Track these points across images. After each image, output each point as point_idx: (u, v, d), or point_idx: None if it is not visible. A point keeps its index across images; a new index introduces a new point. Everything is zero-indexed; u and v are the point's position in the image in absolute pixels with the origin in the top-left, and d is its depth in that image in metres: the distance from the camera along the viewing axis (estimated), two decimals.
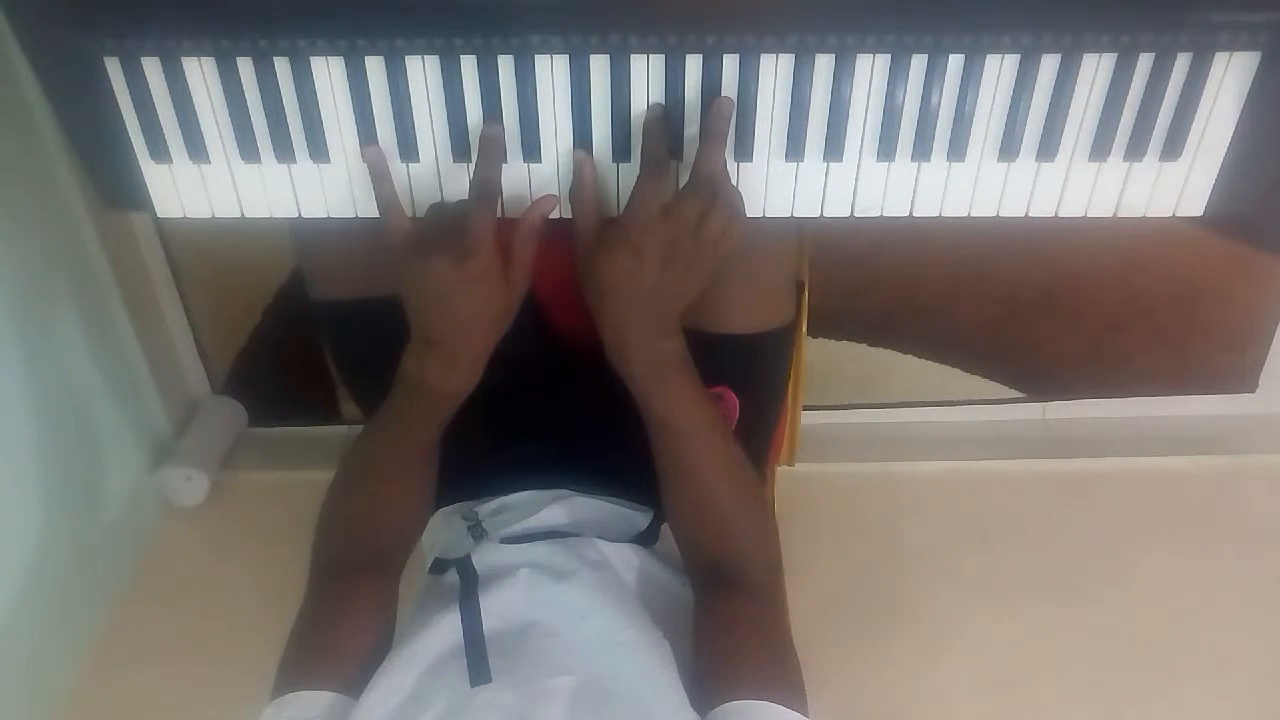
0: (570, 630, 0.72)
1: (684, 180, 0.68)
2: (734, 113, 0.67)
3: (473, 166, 0.69)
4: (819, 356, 1.44)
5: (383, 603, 0.80)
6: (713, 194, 0.66)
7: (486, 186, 0.68)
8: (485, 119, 0.68)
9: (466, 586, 0.76)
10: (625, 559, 0.82)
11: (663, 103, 0.67)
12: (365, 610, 0.78)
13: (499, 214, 0.71)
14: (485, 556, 0.80)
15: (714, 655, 0.73)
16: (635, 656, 0.71)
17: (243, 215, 0.73)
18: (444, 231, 0.69)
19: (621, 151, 0.70)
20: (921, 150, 0.68)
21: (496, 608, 0.74)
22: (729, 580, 0.79)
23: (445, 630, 0.72)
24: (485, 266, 0.68)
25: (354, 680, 0.71)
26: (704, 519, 0.80)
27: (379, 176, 0.70)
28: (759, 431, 0.97)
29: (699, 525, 0.81)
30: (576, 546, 0.80)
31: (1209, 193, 0.70)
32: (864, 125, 0.68)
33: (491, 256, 0.69)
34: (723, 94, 0.66)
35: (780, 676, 0.71)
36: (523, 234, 0.70)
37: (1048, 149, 0.68)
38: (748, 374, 0.92)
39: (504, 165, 0.70)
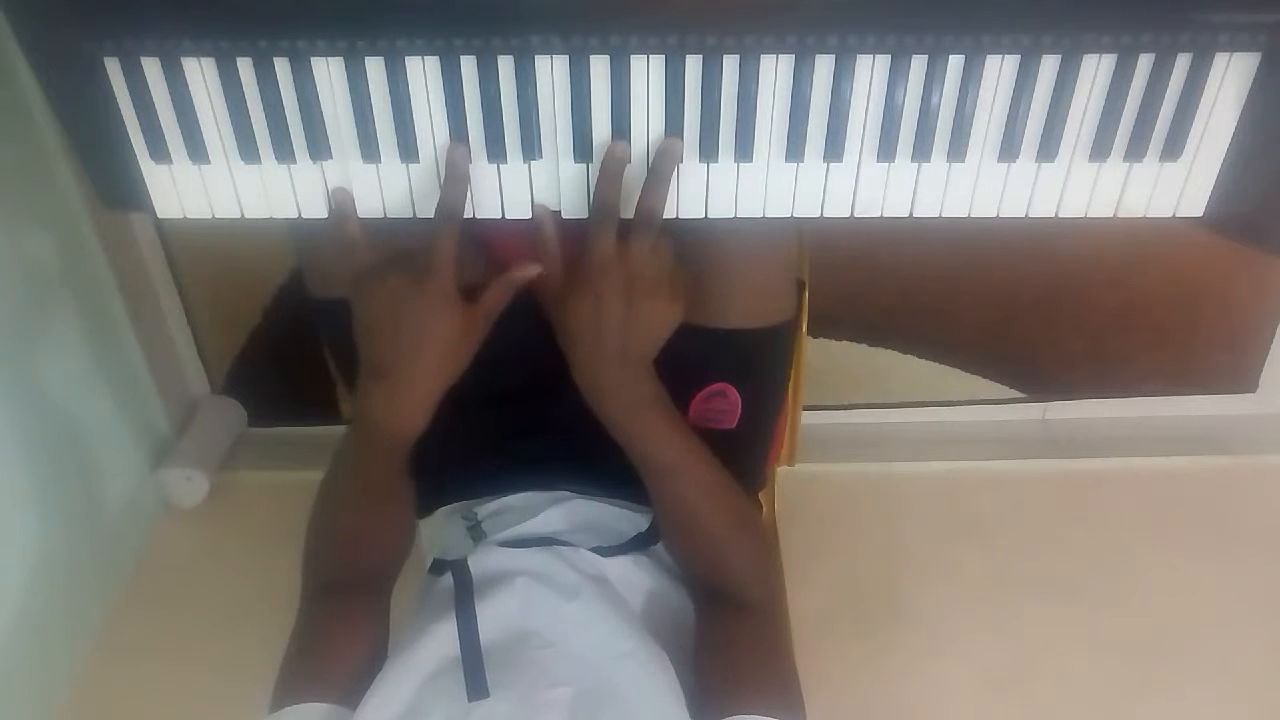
0: (568, 640, 0.72)
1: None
2: (683, 154, 0.68)
3: (472, 167, 0.70)
4: (819, 356, 1.44)
5: (374, 618, 0.80)
6: (658, 229, 0.68)
7: (451, 208, 0.68)
8: (451, 138, 0.68)
9: (462, 594, 0.76)
10: (622, 574, 0.82)
11: (625, 144, 0.67)
12: (357, 626, 0.78)
13: (501, 215, 0.72)
14: (481, 561, 0.80)
15: (714, 673, 0.74)
16: (634, 667, 0.71)
17: (243, 215, 0.73)
18: (405, 254, 0.70)
19: None
20: (921, 151, 0.68)
21: (492, 616, 0.74)
22: (727, 600, 0.79)
23: (441, 640, 0.72)
24: (443, 289, 0.69)
25: (349, 691, 0.71)
26: (697, 549, 0.81)
27: (345, 214, 0.71)
28: (761, 428, 0.97)
29: (693, 554, 0.82)
30: (573, 558, 0.80)
31: (1209, 193, 0.70)
32: (864, 126, 0.68)
33: (451, 280, 0.70)
34: (723, 95, 0.66)
35: (780, 695, 0.71)
36: (500, 284, 0.72)
37: (1048, 149, 0.68)
38: (749, 370, 0.92)
39: (503, 166, 0.70)
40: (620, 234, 0.69)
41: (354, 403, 0.76)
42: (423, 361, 0.73)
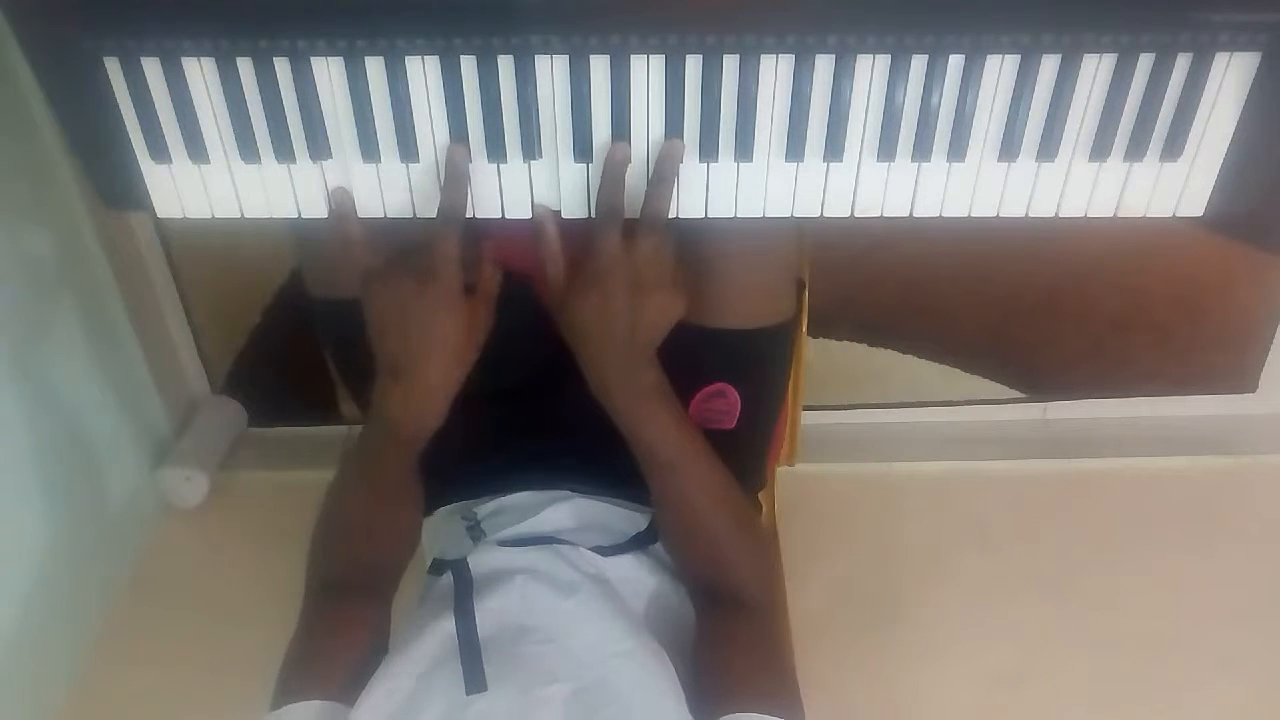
0: (566, 638, 0.72)
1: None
2: (684, 155, 0.68)
3: (472, 167, 0.70)
4: (819, 356, 1.44)
5: (375, 621, 0.81)
6: (663, 230, 0.69)
7: (452, 210, 0.69)
8: (451, 138, 0.69)
9: (461, 592, 0.76)
10: (622, 573, 0.82)
11: (627, 145, 0.68)
12: (359, 627, 0.79)
13: (501, 215, 0.72)
14: (481, 560, 0.80)
15: (713, 671, 0.74)
16: (632, 665, 0.71)
17: (242, 215, 0.73)
18: (407, 254, 0.71)
19: None
20: (921, 150, 0.68)
21: (491, 612, 0.74)
22: (726, 599, 0.79)
23: (440, 635, 0.72)
24: (448, 289, 0.71)
25: (349, 689, 0.71)
26: (697, 546, 0.81)
27: (345, 215, 0.71)
28: (760, 428, 0.97)
29: (693, 552, 0.82)
30: (572, 556, 0.81)
31: (1209, 193, 0.70)
32: (864, 125, 0.68)
33: (455, 280, 0.71)
34: (723, 94, 0.66)
35: (779, 696, 0.72)
36: (488, 269, 0.74)
37: (1048, 149, 0.68)
38: (749, 370, 0.92)
39: (503, 166, 0.70)
40: (625, 232, 0.69)
41: (372, 401, 0.77)
42: (436, 359, 0.74)
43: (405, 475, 0.82)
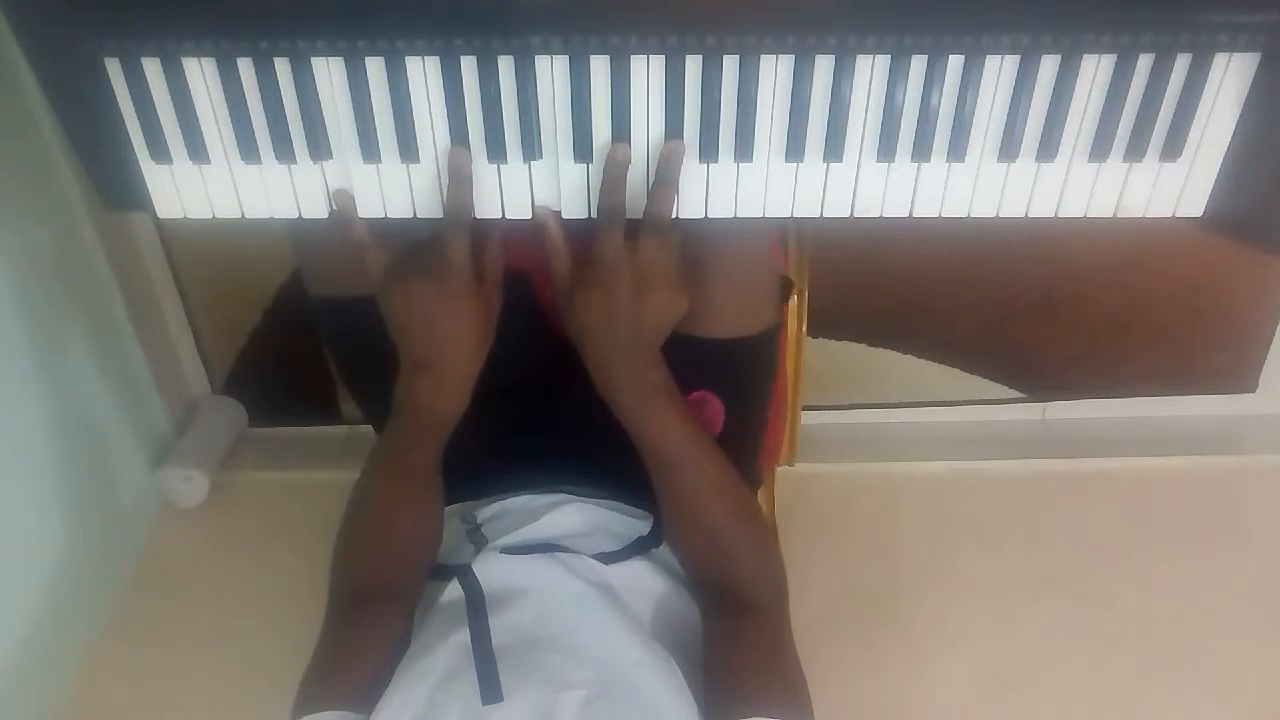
0: (578, 646, 0.73)
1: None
2: (684, 157, 0.68)
3: (473, 167, 0.70)
4: (819, 356, 1.44)
5: (397, 630, 0.81)
6: (666, 230, 0.70)
7: (458, 210, 0.70)
8: (451, 139, 0.69)
9: (474, 605, 0.76)
10: (626, 580, 0.83)
11: (627, 145, 0.68)
12: (379, 637, 0.79)
13: (501, 215, 0.72)
14: (488, 570, 0.80)
15: (721, 674, 0.74)
16: (644, 671, 0.71)
17: (243, 215, 0.73)
18: (420, 257, 0.72)
19: None
20: (921, 151, 0.68)
21: (503, 624, 0.74)
22: (733, 601, 0.79)
23: (454, 647, 0.73)
24: (463, 284, 0.72)
25: (369, 699, 0.71)
26: (703, 546, 0.81)
27: (347, 219, 0.72)
28: (744, 436, 0.97)
29: (699, 552, 0.82)
30: (576, 565, 0.81)
31: (1209, 193, 0.70)
32: (864, 126, 0.68)
33: (469, 275, 0.72)
34: (723, 95, 0.66)
35: (788, 697, 0.72)
36: (492, 251, 0.75)
37: (1047, 149, 0.68)
38: (731, 378, 0.92)
39: (503, 166, 0.70)
40: (628, 232, 0.70)
41: (396, 396, 0.78)
42: (459, 349, 0.75)
43: (433, 465, 0.82)
